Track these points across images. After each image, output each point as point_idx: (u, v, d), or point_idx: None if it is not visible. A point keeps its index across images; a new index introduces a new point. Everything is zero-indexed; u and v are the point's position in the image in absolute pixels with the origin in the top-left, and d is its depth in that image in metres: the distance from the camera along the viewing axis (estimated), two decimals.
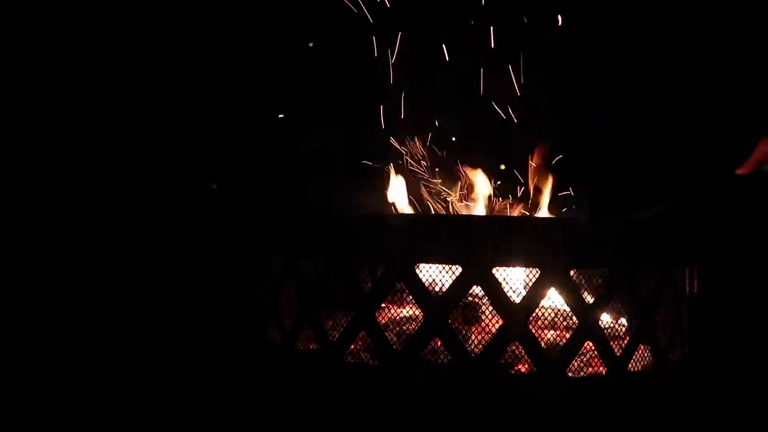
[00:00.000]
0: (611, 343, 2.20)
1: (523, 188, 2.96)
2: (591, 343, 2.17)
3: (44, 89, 4.01)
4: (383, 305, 2.28)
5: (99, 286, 3.71)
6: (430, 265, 2.19)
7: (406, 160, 3.04)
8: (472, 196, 2.90)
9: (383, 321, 2.27)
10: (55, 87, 4.04)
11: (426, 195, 2.97)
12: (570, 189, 3.01)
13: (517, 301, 2.12)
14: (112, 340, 3.05)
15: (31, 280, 3.58)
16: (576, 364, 2.17)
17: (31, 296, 3.49)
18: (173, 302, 3.81)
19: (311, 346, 2.36)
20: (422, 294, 2.15)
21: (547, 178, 2.81)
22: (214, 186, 5.09)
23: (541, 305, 2.17)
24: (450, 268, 2.16)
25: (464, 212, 2.93)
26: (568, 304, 2.18)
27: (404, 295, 2.29)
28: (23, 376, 2.47)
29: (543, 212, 2.81)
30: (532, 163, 2.89)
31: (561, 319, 2.26)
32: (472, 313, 2.22)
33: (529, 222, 2.53)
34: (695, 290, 2.48)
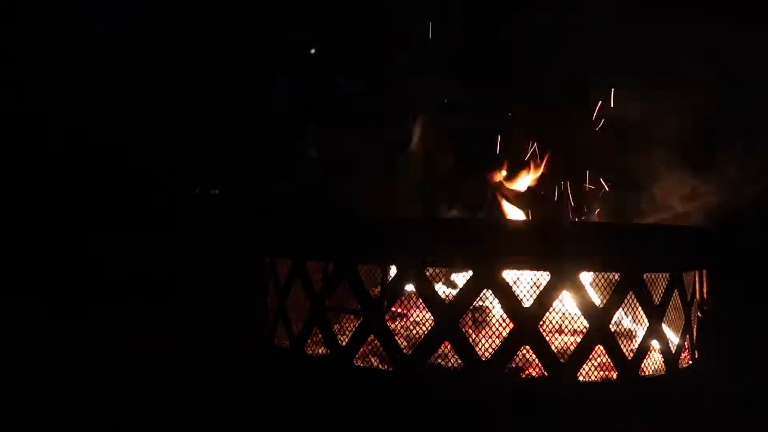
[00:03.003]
0: (622, 347, 2.19)
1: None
2: (602, 347, 2.16)
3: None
4: (393, 309, 2.27)
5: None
6: (440, 269, 2.18)
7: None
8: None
9: (393, 325, 2.26)
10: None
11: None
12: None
13: (528, 304, 2.11)
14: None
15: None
16: (587, 368, 2.16)
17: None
18: (179, 304, 3.81)
19: (320, 351, 2.34)
20: (433, 298, 2.14)
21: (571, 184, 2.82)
22: (216, 191, 5.10)
23: (551, 309, 2.15)
24: (460, 272, 2.14)
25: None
26: (578, 308, 2.17)
27: (414, 299, 2.29)
28: None
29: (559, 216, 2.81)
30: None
31: (571, 322, 2.25)
32: (483, 317, 2.21)
33: (538, 226, 2.52)
34: (705, 294, 2.47)
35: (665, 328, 2.31)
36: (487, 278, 2.11)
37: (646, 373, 2.25)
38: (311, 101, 5.15)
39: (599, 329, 2.15)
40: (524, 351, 2.13)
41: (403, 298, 2.29)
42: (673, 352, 2.32)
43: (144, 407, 2.17)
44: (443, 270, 2.22)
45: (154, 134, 4.61)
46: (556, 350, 2.14)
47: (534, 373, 2.15)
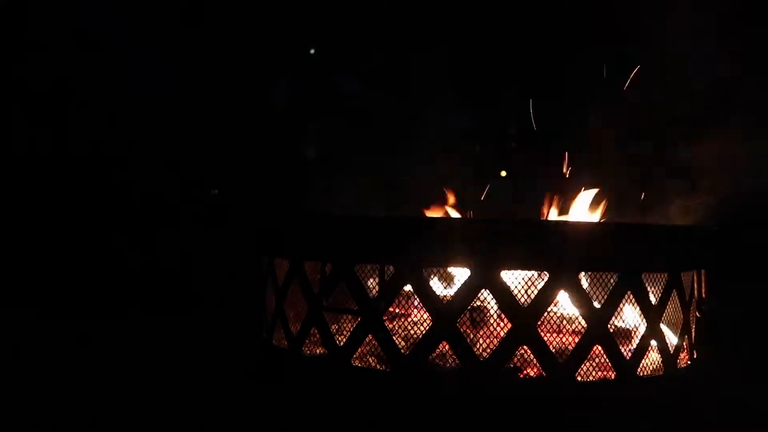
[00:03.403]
0: (620, 348, 2.19)
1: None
2: (600, 347, 2.16)
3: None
4: (390, 309, 2.26)
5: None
6: (439, 268, 2.17)
7: None
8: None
9: (390, 325, 2.25)
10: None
11: None
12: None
13: (526, 304, 2.10)
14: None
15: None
16: (585, 368, 2.15)
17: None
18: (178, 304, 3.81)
19: (318, 351, 2.34)
20: (430, 297, 2.13)
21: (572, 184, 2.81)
22: (216, 191, 5.11)
23: (550, 309, 2.15)
24: (458, 272, 2.14)
25: None
26: (577, 308, 2.17)
27: (412, 299, 2.28)
28: None
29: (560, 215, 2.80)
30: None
31: (569, 322, 2.24)
32: (481, 317, 2.21)
33: (537, 225, 2.51)
34: (704, 294, 2.47)
35: (664, 328, 2.30)
36: (485, 278, 2.10)
37: (645, 374, 2.24)
38: (311, 101, 5.16)
39: (597, 329, 2.14)
40: (522, 351, 2.13)
41: (400, 298, 2.29)
42: (672, 352, 2.31)
43: (141, 407, 2.17)
44: (442, 269, 2.21)
45: (153, 134, 4.61)
46: (554, 350, 2.14)
47: (532, 373, 2.15)
